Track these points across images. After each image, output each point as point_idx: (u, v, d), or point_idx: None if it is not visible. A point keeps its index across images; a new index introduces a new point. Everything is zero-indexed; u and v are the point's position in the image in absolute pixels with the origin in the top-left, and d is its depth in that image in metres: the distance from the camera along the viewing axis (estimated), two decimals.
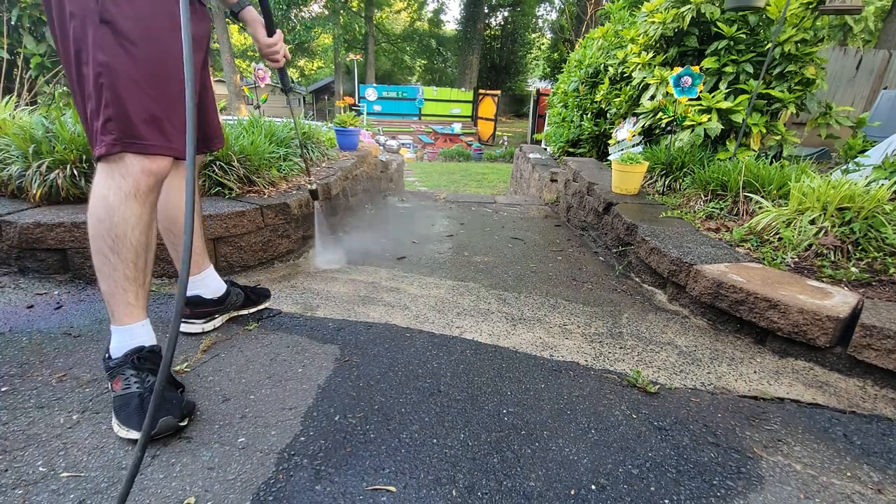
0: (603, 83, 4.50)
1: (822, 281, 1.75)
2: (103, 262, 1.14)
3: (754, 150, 3.11)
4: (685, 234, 2.26)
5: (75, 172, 2.09)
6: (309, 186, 2.17)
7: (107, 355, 1.20)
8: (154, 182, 1.16)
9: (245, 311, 1.72)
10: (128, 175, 1.11)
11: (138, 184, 1.12)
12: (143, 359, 1.17)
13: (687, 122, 3.08)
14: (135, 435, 1.08)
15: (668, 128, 3.29)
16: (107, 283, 1.15)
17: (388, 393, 1.34)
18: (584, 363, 1.56)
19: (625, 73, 4.07)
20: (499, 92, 22.33)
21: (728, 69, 3.15)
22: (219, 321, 1.65)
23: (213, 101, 1.45)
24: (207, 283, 1.57)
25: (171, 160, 1.18)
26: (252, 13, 1.47)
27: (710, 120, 3.03)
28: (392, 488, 1.01)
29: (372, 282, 2.22)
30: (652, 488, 1.04)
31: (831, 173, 2.55)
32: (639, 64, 3.69)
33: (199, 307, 1.57)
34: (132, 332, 1.19)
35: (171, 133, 1.15)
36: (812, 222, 2.00)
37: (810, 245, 1.94)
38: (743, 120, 2.97)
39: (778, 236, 2.06)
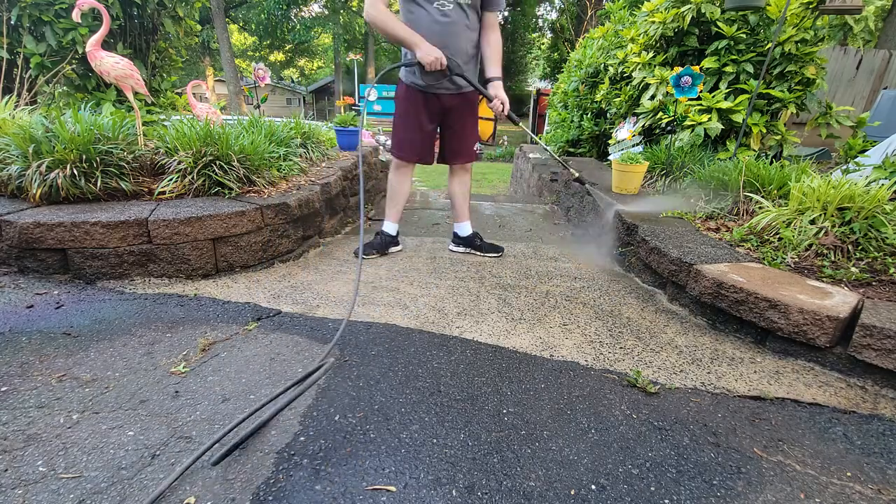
0: (603, 83, 4.50)
1: (823, 281, 1.75)
2: (388, 199, 2.66)
3: (754, 150, 3.10)
4: (685, 234, 2.26)
5: (75, 172, 2.09)
6: (575, 174, 2.80)
7: (382, 229, 2.65)
8: (397, 166, 2.56)
9: (480, 254, 2.69)
10: (393, 162, 2.57)
11: (394, 165, 2.58)
12: (384, 235, 2.64)
13: (687, 122, 3.08)
14: (370, 256, 2.59)
15: (668, 128, 3.29)
16: (388, 208, 2.65)
17: (388, 393, 1.34)
18: (584, 363, 1.56)
19: (625, 72, 4.06)
20: None
21: (728, 69, 3.15)
22: (461, 249, 2.73)
23: (457, 135, 2.55)
24: (463, 228, 2.73)
25: (403, 160, 2.53)
26: (496, 85, 2.39)
27: (710, 120, 3.03)
28: (392, 488, 1.01)
29: (371, 281, 2.22)
30: (652, 488, 1.04)
31: (831, 173, 2.55)
32: (639, 64, 3.69)
33: (456, 238, 2.75)
34: (390, 225, 2.65)
35: (403, 150, 2.51)
36: (812, 222, 2.00)
37: (810, 245, 1.94)
38: (743, 120, 2.97)
39: (778, 236, 2.06)
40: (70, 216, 1.94)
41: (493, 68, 2.36)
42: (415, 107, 2.40)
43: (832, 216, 1.97)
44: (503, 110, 2.37)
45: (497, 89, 2.36)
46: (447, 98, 2.42)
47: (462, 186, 2.70)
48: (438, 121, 2.50)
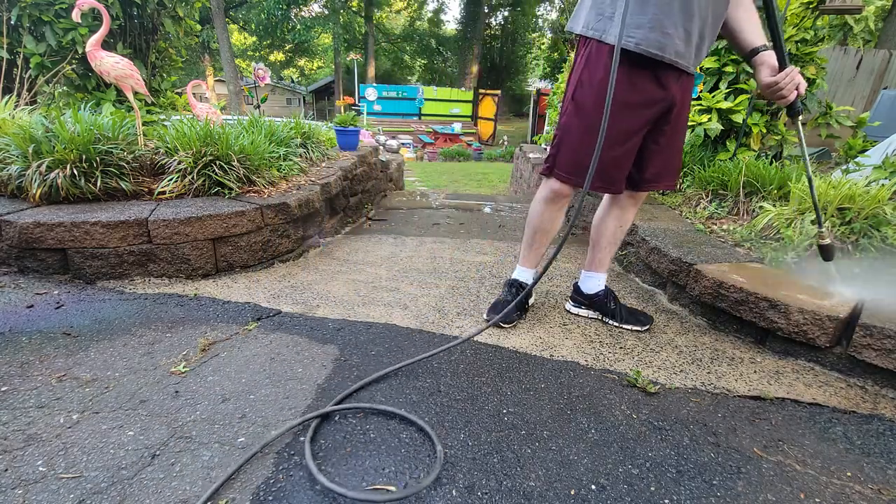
0: None
1: None
2: (530, 238, 1.82)
3: (754, 150, 3.10)
4: (685, 233, 2.26)
5: (75, 172, 2.09)
6: (821, 241, 1.61)
7: (514, 277, 1.87)
8: (554, 196, 1.69)
9: (615, 323, 1.84)
10: (546, 188, 1.70)
11: (548, 194, 1.70)
12: (518, 285, 1.85)
13: (687, 122, 3.08)
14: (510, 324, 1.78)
15: None
16: (528, 249, 1.85)
17: (388, 393, 1.34)
18: (584, 363, 1.56)
19: None
20: (499, 92, 22.34)
21: (728, 69, 3.15)
22: (586, 313, 1.92)
23: (670, 143, 1.62)
24: (592, 280, 1.89)
25: (569, 186, 1.64)
26: (766, 57, 1.44)
27: (710, 120, 3.03)
28: (392, 488, 1.01)
29: (371, 281, 2.22)
30: (652, 488, 1.04)
31: (832, 173, 2.55)
32: None
33: (579, 294, 1.93)
34: (525, 272, 1.86)
35: (579, 172, 1.56)
36: (813, 222, 2.00)
37: (811, 245, 1.94)
38: (743, 120, 2.97)
39: (778, 236, 2.06)
40: (70, 216, 1.94)
41: (757, 32, 1.46)
42: (628, 92, 1.43)
43: (832, 216, 1.97)
44: (795, 93, 1.40)
45: (772, 60, 1.42)
46: (676, 80, 1.47)
47: (621, 223, 1.80)
48: (654, 119, 1.53)
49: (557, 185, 1.64)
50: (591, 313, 1.90)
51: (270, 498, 0.97)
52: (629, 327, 1.80)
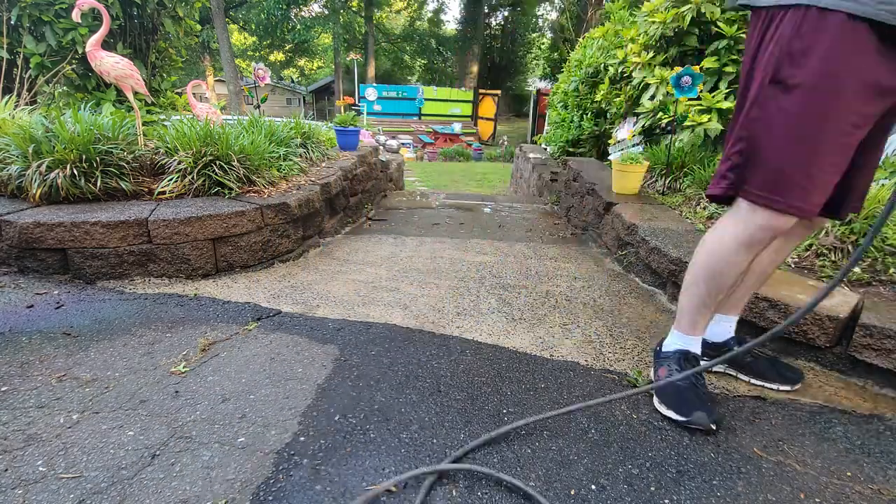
0: (603, 83, 4.49)
1: (823, 281, 1.74)
2: (693, 283, 1.28)
3: None
4: (685, 233, 2.26)
5: (75, 172, 2.09)
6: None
7: (658, 348, 1.42)
8: (764, 236, 1.14)
9: (747, 377, 1.46)
10: (749, 223, 1.13)
11: (754, 232, 1.13)
12: (686, 357, 1.33)
13: (687, 122, 3.08)
14: (673, 415, 1.26)
15: (668, 128, 3.29)
16: (688, 299, 1.31)
17: (388, 393, 1.34)
18: (584, 363, 1.56)
19: (625, 72, 4.06)
20: (499, 92, 22.37)
21: (728, 69, 3.15)
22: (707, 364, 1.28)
23: (870, 166, 1.18)
24: (722, 326, 1.47)
25: (795, 219, 1.11)
26: None
27: (710, 120, 3.03)
28: (392, 488, 1.01)
29: (371, 281, 2.22)
30: (652, 488, 1.04)
31: None
32: (639, 64, 3.69)
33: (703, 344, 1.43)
34: (688, 340, 1.35)
35: (799, 191, 1.06)
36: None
37: (810, 245, 1.94)
38: None
39: None
40: (70, 216, 1.94)
41: None
42: (860, 75, 0.98)
43: None
44: None
45: None
46: None
47: (778, 255, 1.35)
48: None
49: (770, 216, 1.09)
50: (720, 367, 1.48)
51: (270, 498, 0.97)
52: (774, 387, 1.41)
